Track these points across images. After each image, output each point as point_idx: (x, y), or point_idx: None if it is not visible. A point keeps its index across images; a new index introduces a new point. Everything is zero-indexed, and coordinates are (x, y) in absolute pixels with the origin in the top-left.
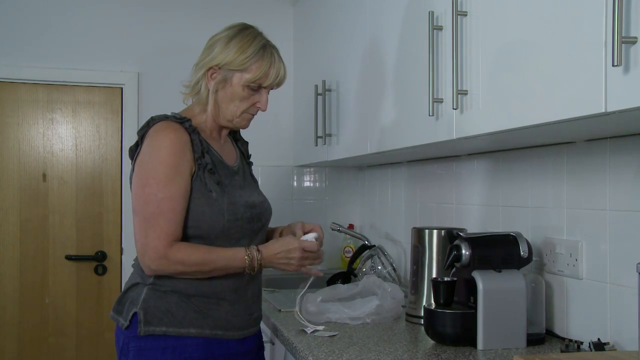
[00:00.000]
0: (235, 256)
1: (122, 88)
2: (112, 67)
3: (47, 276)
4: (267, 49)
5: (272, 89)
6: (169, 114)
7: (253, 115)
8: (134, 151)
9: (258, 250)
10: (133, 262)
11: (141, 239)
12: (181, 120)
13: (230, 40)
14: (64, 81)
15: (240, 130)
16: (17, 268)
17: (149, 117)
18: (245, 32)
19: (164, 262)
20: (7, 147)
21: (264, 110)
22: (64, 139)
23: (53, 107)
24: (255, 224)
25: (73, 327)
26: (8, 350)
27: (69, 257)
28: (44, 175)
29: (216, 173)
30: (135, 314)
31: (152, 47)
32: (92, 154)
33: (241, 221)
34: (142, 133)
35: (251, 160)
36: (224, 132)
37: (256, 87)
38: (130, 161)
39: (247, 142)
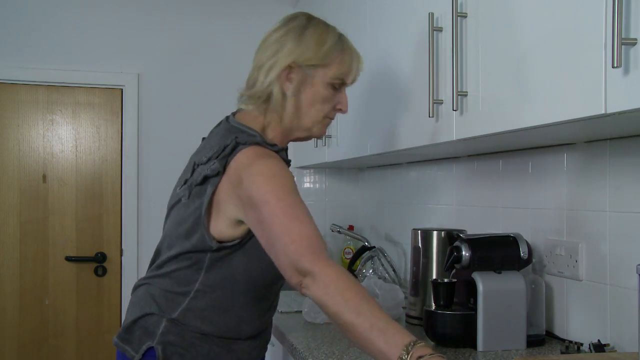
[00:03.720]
0: (397, 330)
1: (122, 89)
2: (112, 69)
3: (47, 277)
4: (343, 37)
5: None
6: (254, 133)
7: (332, 119)
8: (211, 177)
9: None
10: (138, 284)
11: (287, 241)
12: (273, 148)
13: (303, 31)
14: (64, 82)
15: None
16: (17, 269)
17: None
18: (315, 21)
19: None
20: (7, 148)
21: (346, 112)
22: (64, 140)
23: (53, 108)
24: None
25: (73, 329)
26: (8, 352)
27: (68, 259)
28: (44, 177)
29: None
30: (150, 348)
31: (152, 49)
32: (92, 155)
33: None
34: (228, 159)
35: None
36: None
37: (338, 85)
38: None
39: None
